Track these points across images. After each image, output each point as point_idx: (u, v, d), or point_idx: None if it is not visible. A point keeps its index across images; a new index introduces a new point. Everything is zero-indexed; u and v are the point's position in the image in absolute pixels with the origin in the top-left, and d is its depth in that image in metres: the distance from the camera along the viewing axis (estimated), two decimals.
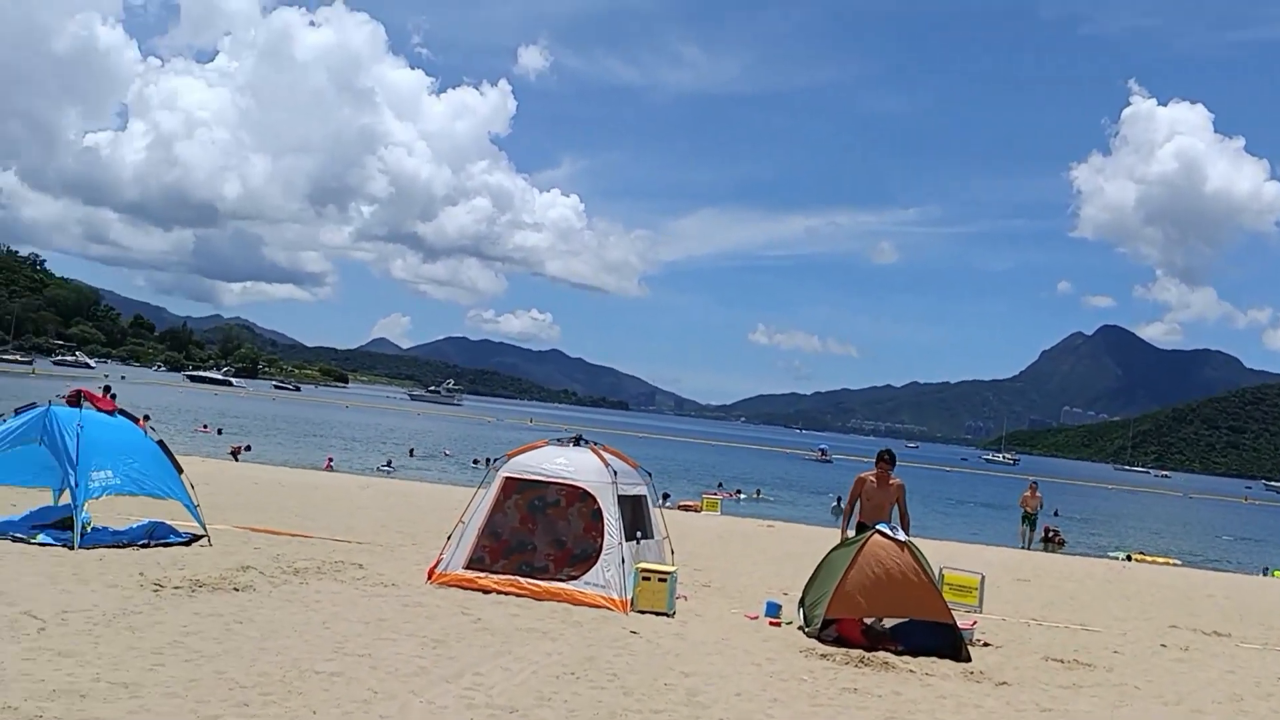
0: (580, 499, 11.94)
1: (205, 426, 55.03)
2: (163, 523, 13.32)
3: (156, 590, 9.95)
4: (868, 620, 11.15)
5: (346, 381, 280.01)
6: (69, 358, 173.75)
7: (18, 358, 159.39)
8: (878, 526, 11.53)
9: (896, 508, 12.62)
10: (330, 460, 41.56)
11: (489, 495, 12.20)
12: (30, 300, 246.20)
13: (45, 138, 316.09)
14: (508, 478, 12.23)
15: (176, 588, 10.17)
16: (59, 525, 12.61)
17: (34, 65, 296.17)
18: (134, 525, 13.19)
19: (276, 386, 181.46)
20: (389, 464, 45.82)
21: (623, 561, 11.60)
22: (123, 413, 13.34)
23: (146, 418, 38.76)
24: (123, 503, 13.72)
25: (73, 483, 12.06)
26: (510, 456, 12.51)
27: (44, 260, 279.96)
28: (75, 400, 12.94)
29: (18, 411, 12.87)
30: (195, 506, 13.27)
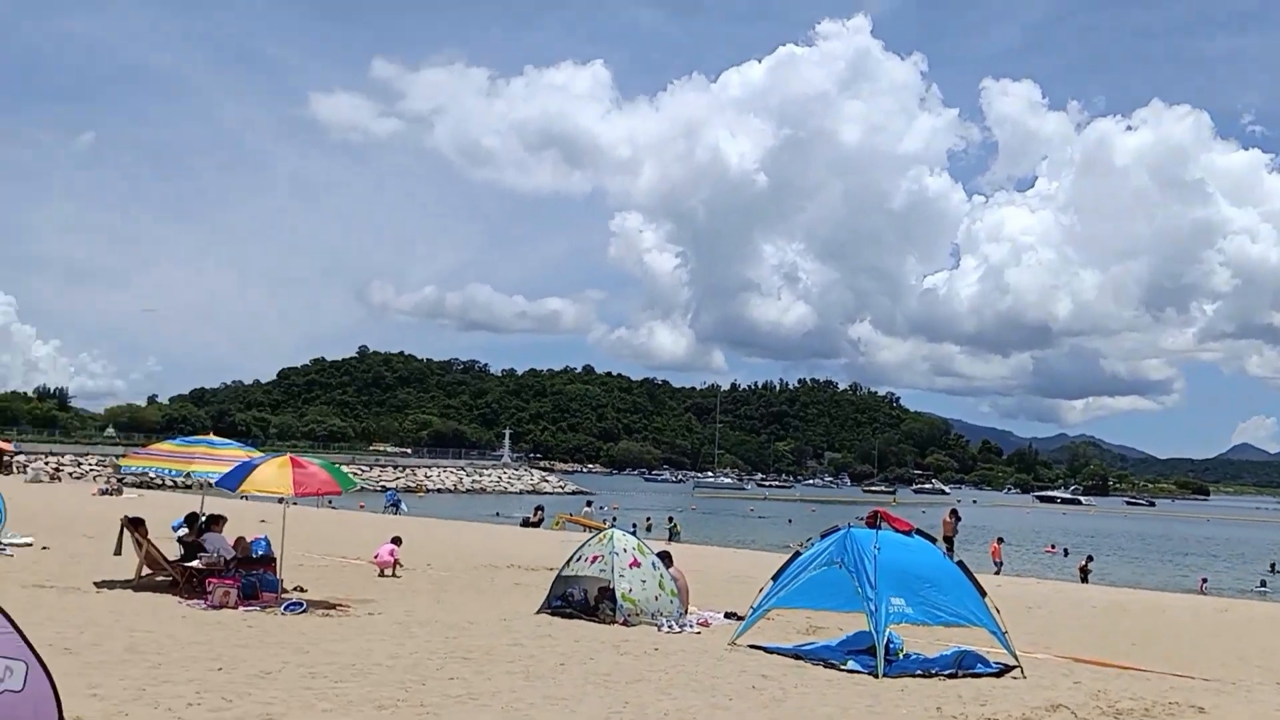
0: None
1: (1052, 547, 53.73)
2: (971, 651, 12.38)
3: None
4: None
5: (1207, 494, 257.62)
6: (926, 485, 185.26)
7: (882, 488, 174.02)
8: None
9: None
10: (1204, 581, 37.29)
11: None
12: (890, 435, 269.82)
13: (891, 287, 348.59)
14: None
15: None
16: (870, 651, 12.35)
17: (877, 224, 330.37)
18: (943, 653, 12.45)
19: (1128, 503, 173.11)
20: (1262, 584, 40.06)
21: None
22: (920, 533, 12.83)
23: (1001, 540, 38.71)
24: (941, 628, 13.09)
25: (871, 608, 11.74)
26: None
27: (899, 397, 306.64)
28: (873, 521, 12.75)
29: (823, 535, 13.05)
30: (1003, 633, 12.12)
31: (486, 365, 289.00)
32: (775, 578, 13.16)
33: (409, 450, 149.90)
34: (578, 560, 15.45)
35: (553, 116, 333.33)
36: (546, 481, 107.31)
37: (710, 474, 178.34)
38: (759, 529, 63.63)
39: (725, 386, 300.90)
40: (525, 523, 44.58)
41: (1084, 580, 35.35)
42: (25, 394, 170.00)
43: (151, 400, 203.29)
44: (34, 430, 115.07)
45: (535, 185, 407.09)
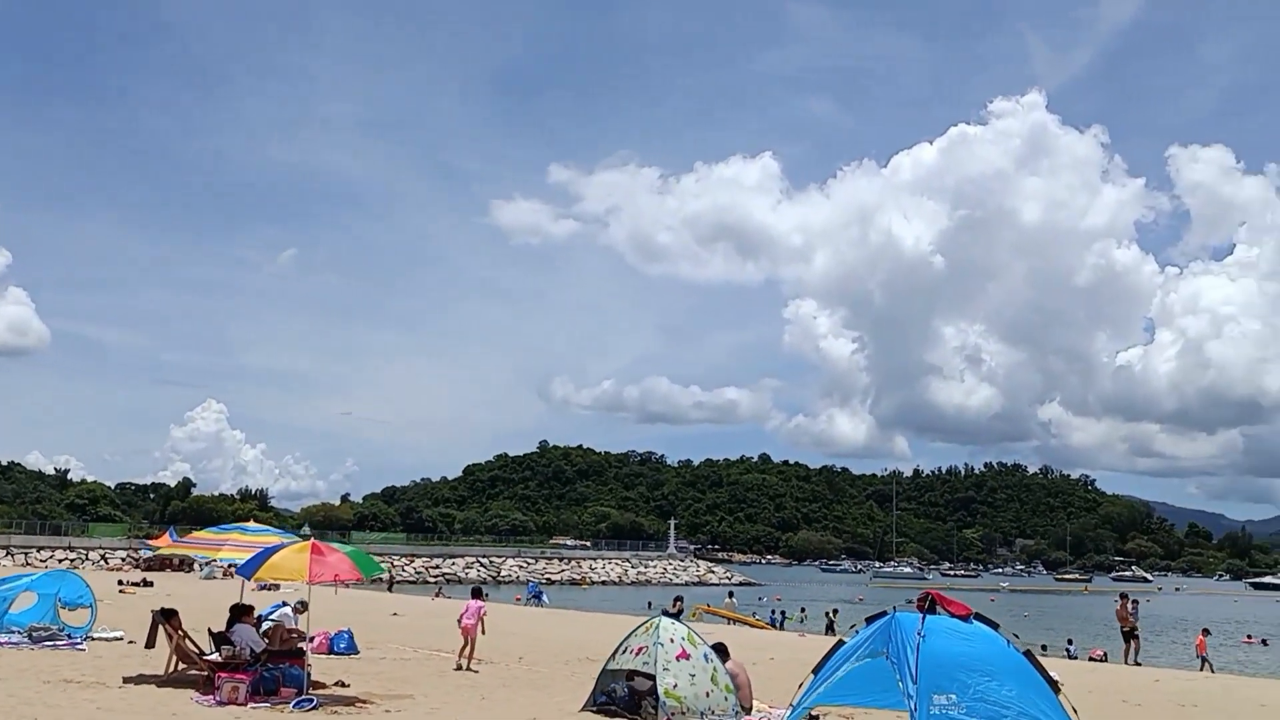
0: None
1: (1250, 637, 48.56)
2: None
3: None
4: None
5: None
6: (1126, 573, 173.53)
7: (1076, 576, 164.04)
8: None
9: None
10: None
11: None
12: (1086, 520, 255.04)
13: (1081, 366, 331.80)
14: None
15: None
16: None
17: (1063, 301, 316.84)
18: None
19: None
20: None
21: None
22: (981, 618, 11.03)
23: (1207, 632, 34.20)
24: None
25: (911, 706, 10.01)
26: None
27: (1094, 480, 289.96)
28: (924, 604, 11.05)
29: (868, 621, 11.41)
30: None
31: (663, 457, 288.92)
32: (816, 670, 11.55)
33: (588, 543, 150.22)
34: (623, 652, 14.18)
35: (724, 209, 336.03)
36: (713, 572, 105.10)
37: (890, 563, 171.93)
38: None
39: (908, 473, 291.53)
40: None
41: None
42: (231, 496, 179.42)
43: (344, 499, 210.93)
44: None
45: (709, 277, 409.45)
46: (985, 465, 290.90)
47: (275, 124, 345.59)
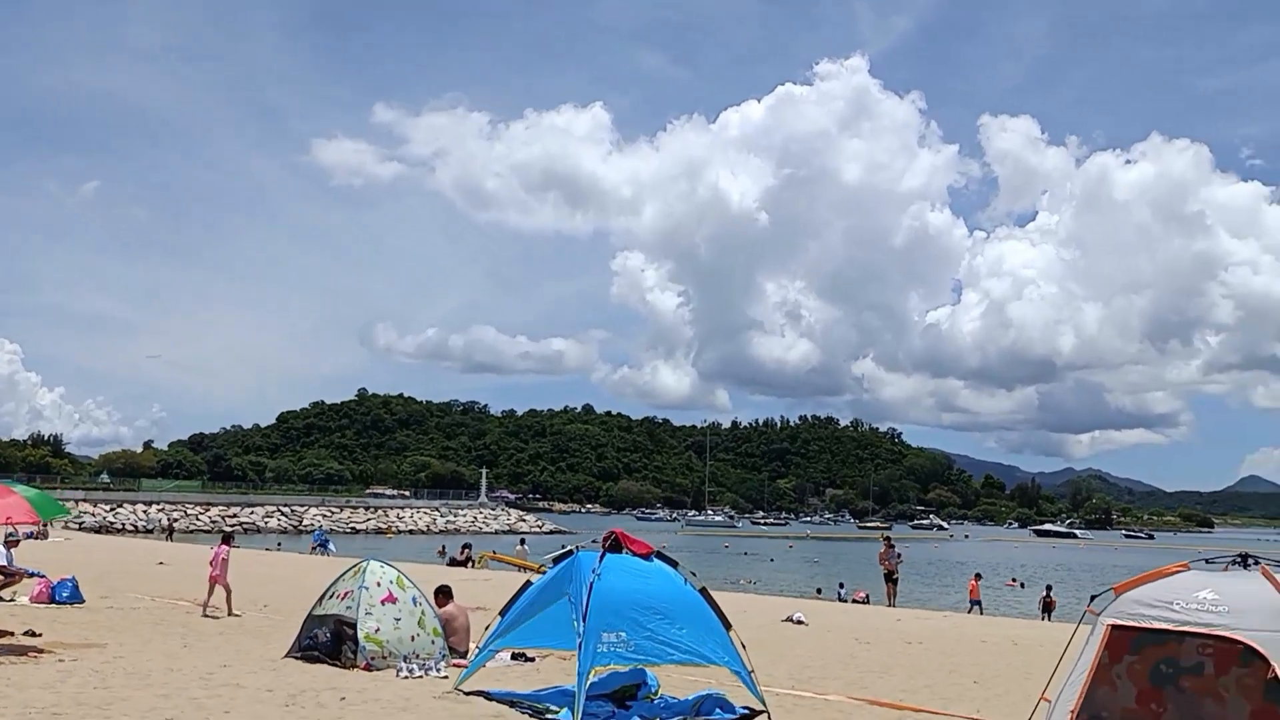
0: (1240, 662, 6.72)
1: (1013, 580, 51.66)
2: (713, 694, 10.66)
3: None
4: None
5: (1211, 526, 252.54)
6: (924, 521, 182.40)
7: (878, 523, 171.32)
8: None
9: None
10: None
11: (1088, 653, 7.51)
12: (892, 471, 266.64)
13: (894, 323, 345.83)
14: (1115, 625, 7.44)
15: None
16: (619, 696, 10.72)
17: (879, 260, 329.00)
18: (684, 698, 10.74)
19: (1126, 536, 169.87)
20: None
21: None
22: (662, 556, 11.07)
23: (979, 576, 35.89)
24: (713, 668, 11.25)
25: (579, 644, 9.96)
26: (1120, 591, 7.68)
27: (900, 433, 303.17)
28: (607, 542, 11.02)
29: (556, 560, 11.34)
30: (749, 673, 10.35)
31: (486, 406, 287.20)
32: (503, 612, 11.40)
33: (408, 493, 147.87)
34: (330, 597, 13.74)
35: (554, 158, 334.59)
36: (524, 521, 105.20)
37: (704, 512, 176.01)
38: (718, 565, 61.40)
39: (727, 424, 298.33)
40: (452, 562, 42.69)
41: (1046, 613, 33.17)
42: (22, 442, 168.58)
43: (148, 445, 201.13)
44: (27, 478, 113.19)
45: (537, 226, 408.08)
46: (800, 418, 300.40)
47: (79, 47, 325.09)
